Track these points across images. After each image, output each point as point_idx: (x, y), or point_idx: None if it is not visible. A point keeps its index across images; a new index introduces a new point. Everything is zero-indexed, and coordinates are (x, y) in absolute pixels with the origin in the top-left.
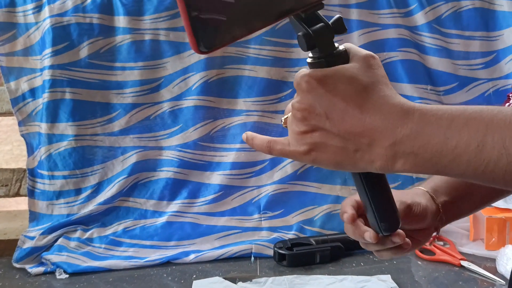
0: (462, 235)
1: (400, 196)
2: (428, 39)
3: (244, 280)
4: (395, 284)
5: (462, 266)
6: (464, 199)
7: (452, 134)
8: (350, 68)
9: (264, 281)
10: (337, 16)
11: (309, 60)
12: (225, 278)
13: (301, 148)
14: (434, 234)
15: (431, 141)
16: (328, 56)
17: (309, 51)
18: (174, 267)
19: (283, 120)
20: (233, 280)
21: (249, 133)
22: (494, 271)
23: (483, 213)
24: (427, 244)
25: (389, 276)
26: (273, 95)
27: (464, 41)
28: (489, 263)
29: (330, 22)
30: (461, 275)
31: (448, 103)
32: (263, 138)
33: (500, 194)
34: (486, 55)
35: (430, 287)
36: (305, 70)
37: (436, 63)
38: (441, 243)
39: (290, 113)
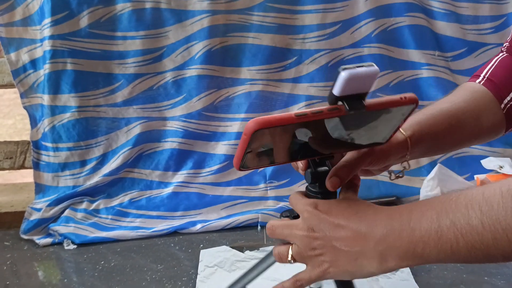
0: None
1: None
2: (436, 3)
3: (251, 248)
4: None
5: None
6: (436, 138)
7: (415, 224)
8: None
9: (271, 250)
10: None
11: (308, 191)
12: (232, 247)
13: (320, 268)
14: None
15: (401, 234)
16: (324, 193)
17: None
18: (181, 236)
19: (290, 259)
20: (240, 249)
21: (278, 285)
22: None
23: (491, 179)
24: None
25: None
26: (277, 63)
27: (473, 4)
28: None
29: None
30: None
31: (456, 69)
32: (289, 281)
33: (477, 138)
34: (496, 19)
35: None
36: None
37: (444, 28)
38: None
39: (293, 246)
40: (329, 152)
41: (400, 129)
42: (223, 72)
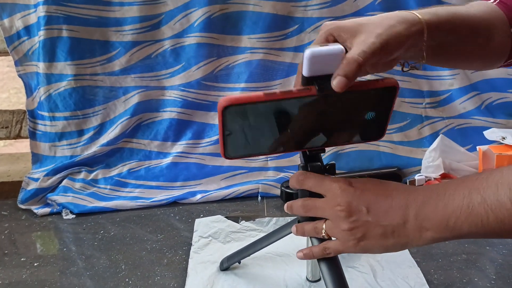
0: (470, 173)
1: (375, 29)
2: None
3: (247, 219)
4: None
5: None
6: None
7: (448, 200)
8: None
9: (268, 221)
10: (332, 162)
11: None
12: (227, 217)
13: (351, 242)
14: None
15: (437, 206)
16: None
17: None
18: (181, 207)
19: (324, 234)
20: (236, 219)
21: (306, 249)
22: None
23: (493, 150)
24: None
25: None
26: (279, 31)
27: None
28: None
29: (325, 164)
30: None
31: None
32: (318, 247)
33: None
34: None
35: None
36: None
37: None
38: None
39: (327, 222)
40: (319, 145)
41: (415, 12)
42: (223, 40)
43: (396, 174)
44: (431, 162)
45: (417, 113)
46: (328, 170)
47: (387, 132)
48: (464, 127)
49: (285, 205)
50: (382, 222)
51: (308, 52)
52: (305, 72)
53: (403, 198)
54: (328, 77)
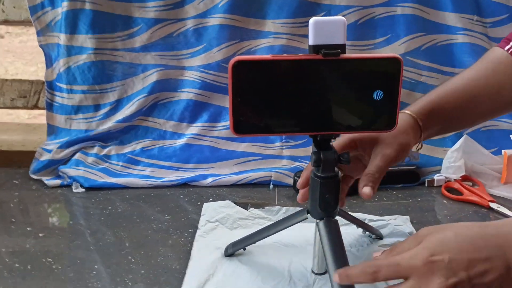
0: (493, 177)
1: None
2: None
3: (256, 206)
4: (412, 229)
5: (490, 208)
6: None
7: None
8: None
9: (277, 210)
10: (347, 151)
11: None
12: (236, 203)
13: None
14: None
15: None
16: (324, 178)
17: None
18: (191, 189)
19: None
20: (245, 206)
21: None
22: None
23: None
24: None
25: (407, 218)
26: (304, 17)
27: None
28: None
29: (339, 154)
30: (488, 217)
31: (494, 37)
32: None
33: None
34: None
35: None
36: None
37: None
38: (470, 183)
39: None
40: (328, 128)
41: (414, 114)
42: (247, 23)
43: (415, 172)
44: (452, 163)
45: None
46: (343, 160)
47: None
48: (490, 129)
49: (337, 275)
50: (486, 279)
51: (312, 20)
52: (310, 41)
53: (494, 245)
54: (331, 46)
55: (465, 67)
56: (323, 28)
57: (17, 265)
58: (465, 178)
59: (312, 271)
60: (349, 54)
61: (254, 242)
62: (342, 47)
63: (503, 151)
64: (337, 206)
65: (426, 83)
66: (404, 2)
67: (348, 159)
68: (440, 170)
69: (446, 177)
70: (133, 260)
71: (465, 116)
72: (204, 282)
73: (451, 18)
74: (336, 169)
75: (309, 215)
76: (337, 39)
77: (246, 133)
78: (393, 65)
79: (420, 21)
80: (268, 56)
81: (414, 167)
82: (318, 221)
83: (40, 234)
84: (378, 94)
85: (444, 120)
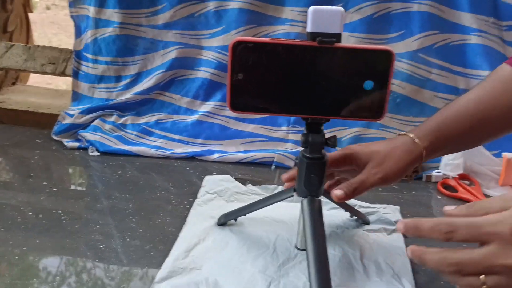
0: (491, 178)
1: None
2: None
3: (254, 183)
4: (399, 217)
5: None
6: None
7: None
8: None
9: (273, 188)
10: (334, 135)
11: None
12: (236, 178)
13: None
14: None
15: None
16: (311, 159)
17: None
18: (197, 162)
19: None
20: (243, 182)
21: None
22: None
23: None
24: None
25: (397, 208)
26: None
27: None
28: None
29: (327, 138)
30: None
31: (509, 40)
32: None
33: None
34: None
35: None
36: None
37: None
38: (467, 182)
39: (491, 278)
40: (320, 112)
41: (416, 138)
42: (266, 9)
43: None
44: (451, 160)
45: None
46: (329, 144)
47: (412, 123)
48: None
49: (410, 251)
50: None
51: (311, 8)
52: (308, 28)
53: None
54: (328, 35)
55: (476, 68)
56: (321, 17)
57: (30, 213)
58: (463, 177)
59: (296, 246)
60: (344, 44)
61: (245, 214)
62: (337, 36)
63: (502, 153)
64: (322, 186)
65: (435, 81)
66: None
67: (334, 143)
68: (438, 167)
69: (444, 174)
70: (133, 219)
71: (473, 138)
72: (193, 246)
73: (467, 18)
74: (323, 151)
75: (295, 193)
76: (334, 28)
77: (241, 110)
78: (385, 57)
79: (435, 19)
80: (267, 39)
81: None
82: (302, 198)
83: (54, 189)
84: (369, 84)
85: (451, 143)
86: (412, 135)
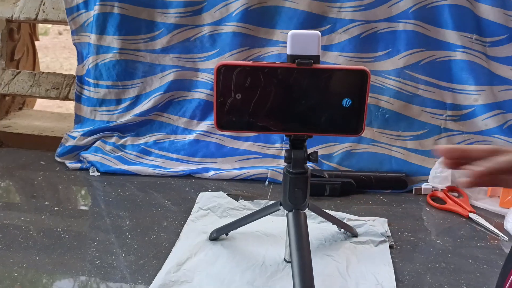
0: (479, 190)
1: None
2: None
3: (246, 198)
4: (386, 229)
5: (469, 218)
6: None
7: None
8: None
9: (265, 203)
10: (315, 150)
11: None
12: (229, 195)
13: None
14: None
15: None
16: (294, 174)
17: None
18: (194, 180)
19: None
20: (236, 198)
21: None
22: (501, 228)
23: None
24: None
25: (385, 220)
26: (311, 29)
27: None
28: (499, 220)
29: (308, 153)
30: (465, 226)
31: (493, 56)
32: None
33: None
34: None
35: (429, 231)
36: None
37: (487, 11)
38: (456, 194)
39: None
40: (301, 129)
41: None
42: (257, 32)
43: (403, 180)
44: (439, 173)
45: (436, 124)
46: (311, 159)
47: (401, 138)
48: (483, 144)
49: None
50: None
51: (290, 32)
52: (288, 51)
53: None
54: (306, 57)
55: (462, 83)
56: (299, 40)
57: (31, 232)
58: (451, 189)
59: (284, 259)
60: (321, 65)
61: (235, 229)
62: (315, 58)
63: None
64: (306, 200)
65: (423, 97)
66: (406, 18)
67: (316, 158)
68: (427, 180)
69: (433, 187)
70: (129, 236)
71: None
72: (185, 260)
73: (451, 36)
74: (305, 166)
75: (281, 207)
76: (312, 50)
77: (227, 129)
78: (361, 76)
79: (421, 37)
80: (250, 62)
81: (403, 175)
82: (288, 212)
83: (55, 208)
84: (347, 102)
85: None
86: None
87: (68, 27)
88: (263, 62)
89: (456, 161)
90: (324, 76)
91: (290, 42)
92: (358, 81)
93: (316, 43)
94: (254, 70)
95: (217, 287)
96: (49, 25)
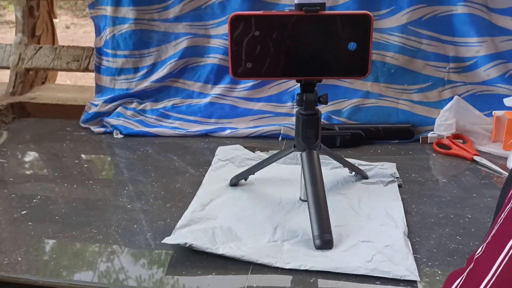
0: (483, 136)
1: None
2: None
3: (261, 150)
4: (394, 171)
5: (474, 160)
6: None
7: None
8: None
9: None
10: (325, 93)
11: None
12: (245, 147)
13: None
14: None
15: None
16: (306, 115)
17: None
18: (211, 138)
19: None
20: (252, 150)
21: None
22: (505, 168)
23: (507, 115)
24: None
25: (394, 164)
26: None
27: None
28: (503, 162)
29: (319, 96)
30: (470, 167)
31: (494, 7)
32: None
33: None
34: None
35: (436, 172)
36: None
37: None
38: (460, 140)
39: None
40: (311, 74)
41: None
42: None
43: (410, 130)
44: (444, 121)
45: (439, 77)
46: (322, 101)
47: (407, 91)
48: (486, 93)
49: None
50: None
51: None
52: (296, 0)
53: None
54: (312, 4)
55: (464, 36)
56: None
57: (65, 184)
58: (456, 136)
59: (300, 198)
60: (327, 11)
61: (253, 173)
62: (321, 5)
63: (493, 112)
64: (318, 140)
65: (426, 51)
66: None
67: (326, 100)
68: (433, 129)
69: (438, 135)
70: (155, 185)
71: None
72: (209, 202)
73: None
74: (316, 108)
75: (295, 149)
76: None
77: (242, 76)
78: (364, 20)
79: None
80: (260, 12)
81: (410, 125)
82: (301, 152)
83: (85, 165)
84: (352, 45)
85: None
86: None
87: (75, 20)
88: (273, 11)
89: None
90: (330, 22)
91: None
92: (362, 25)
93: None
94: (265, 19)
95: (240, 222)
96: (57, 20)
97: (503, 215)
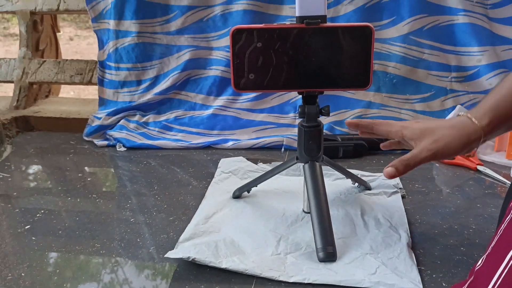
0: (487, 145)
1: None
2: None
3: (264, 162)
4: (398, 181)
5: (477, 170)
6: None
7: None
8: None
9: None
10: (327, 105)
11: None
12: (248, 159)
13: None
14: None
15: None
16: (308, 127)
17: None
18: (214, 150)
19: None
20: (255, 161)
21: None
22: (509, 178)
23: None
24: None
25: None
26: None
27: None
28: (506, 171)
29: (321, 108)
30: (474, 177)
31: (494, 17)
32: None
33: None
34: None
35: (439, 183)
36: None
37: None
38: None
39: None
40: (313, 86)
41: (474, 118)
42: (267, 9)
43: None
44: None
45: (442, 86)
46: (323, 112)
47: (409, 101)
48: None
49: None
50: None
51: None
52: (297, 12)
53: None
54: (313, 17)
55: (465, 46)
56: (307, 2)
57: (69, 198)
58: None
59: (303, 210)
60: (328, 23)
61: (256, 185)
62: (322, 18)
63: None
64: (320, 151)
65: (428, 60)
66: None
67: (328, 111)
68: None
69: None
70: (159, 198)
71: None
72: (212, 214)
73: (452, 0)
74: (318, 120)
75: (297, 161)
76: (319, 10)
77: (244, 89)
78: (365, 32)
79: (423, 3)
80: (261, 25)
81: None
82: (303, 164)
83: (88, 179)
84: (354, 57)
85: (510, 120)
86: (469, 115)
87: (78, 32)
88: (274, 24)
89: (365, 131)
90: (331, 34)
91: (298, 3)
92: (363, 37)
93: (322, 3)
94: (266, 32)
95: (243, 235)
96: (60, 33)
97: (503, 226)
